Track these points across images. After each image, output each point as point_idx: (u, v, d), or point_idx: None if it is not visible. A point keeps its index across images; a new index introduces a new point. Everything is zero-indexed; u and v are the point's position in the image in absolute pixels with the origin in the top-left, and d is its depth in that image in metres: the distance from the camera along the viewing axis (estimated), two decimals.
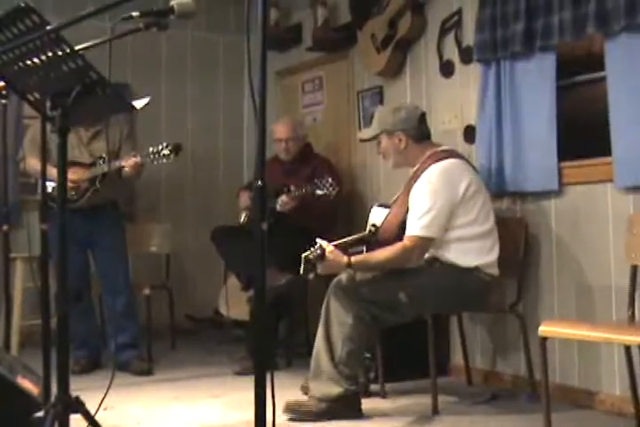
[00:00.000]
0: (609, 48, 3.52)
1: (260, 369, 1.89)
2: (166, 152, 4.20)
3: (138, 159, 4.35)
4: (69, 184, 4.38)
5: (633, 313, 3.28)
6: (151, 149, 4.28)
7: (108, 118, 4.43)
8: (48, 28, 1.99)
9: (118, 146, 4.65)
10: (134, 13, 2.38)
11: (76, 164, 4.47)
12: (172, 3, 2.33)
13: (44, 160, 3.02)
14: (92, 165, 4.50)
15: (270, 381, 1.93)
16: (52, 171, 4.24)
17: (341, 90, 5.49)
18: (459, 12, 4.35)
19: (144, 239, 5.43)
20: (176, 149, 4.21)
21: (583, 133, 3.91)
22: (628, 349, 3.18)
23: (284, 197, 4.50)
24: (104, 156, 4.47)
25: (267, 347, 1.92)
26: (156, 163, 4.30)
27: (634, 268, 3.29)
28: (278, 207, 4.52)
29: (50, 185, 3.63)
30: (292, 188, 4.42)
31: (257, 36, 1.94)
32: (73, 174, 4.40)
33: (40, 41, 2.01)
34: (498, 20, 3.96)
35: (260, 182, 1.89)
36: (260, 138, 1.90)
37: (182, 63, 6.20)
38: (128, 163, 4.37)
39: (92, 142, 4.60)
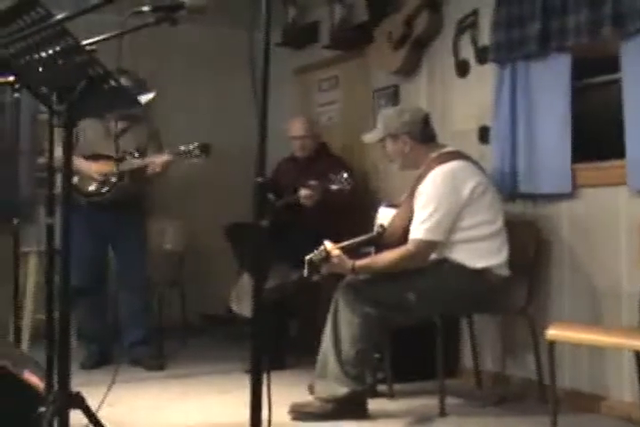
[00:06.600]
0: (624, 50, 3.48)
1: (257, 367, 1.87)
2: (197, 153, 4.30)
3: (168, 157, 4.43)
4: (99, 177, 4.44)
5: None
6: (182, 149, 4.36)
7: (115, 113, 4.45)
8: (53, 20, 1.98)
9: (145, 143, 4.69)
10: (145, 8, 2.38)
11: (102, 156, 4.50)
12: None
13: (52, 155, 2.99)
14: (120, 159, 4.51)
15: (267, 379, 1.92)
16: (77, 162, 4.29)
17: (357, 89, 5.47)
18: (475, 12, 4.32)
19: (157, 236, 5.42)
20: (206, 150, 4.31)
21: (597, 136, 3.87)
22: (637, 354, 3.14)
23: (304, 191, 4.52)
24: (133, 151, 4.51)
25: (266, 345, 1.91)
26: (187, 162, 4.42)
27: None
28: (302, 200, 4.54)
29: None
30: (312, 182, 4.43)
31: (261, 32, 1.93)
32: (102, 166, 4.43)
33: (45, 34, 2.00)
34: (514, 21, 3.92)
35: (260, 179, 1.87)
36: (261, 134, 1.89)
37: (195, 59, 6.13)
38: (159, 160, 4.42)
39: (120, 137, 4.58)
